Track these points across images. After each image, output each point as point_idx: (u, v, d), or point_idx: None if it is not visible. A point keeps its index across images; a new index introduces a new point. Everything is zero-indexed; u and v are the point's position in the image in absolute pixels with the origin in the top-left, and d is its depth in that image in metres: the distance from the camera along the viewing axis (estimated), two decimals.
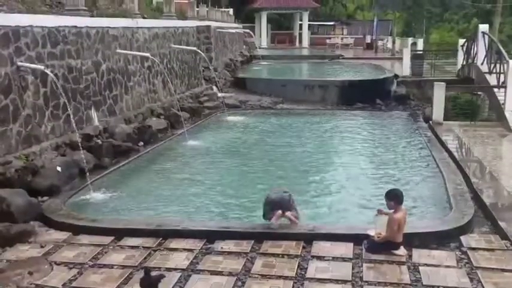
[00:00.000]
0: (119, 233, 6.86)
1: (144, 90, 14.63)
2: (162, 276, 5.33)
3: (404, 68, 22.71)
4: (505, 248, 6.34)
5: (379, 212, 6.41)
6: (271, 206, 6.94)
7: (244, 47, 36.09)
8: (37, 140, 9.47)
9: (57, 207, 7.77)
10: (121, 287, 5.47)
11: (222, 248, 6.38)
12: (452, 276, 5.63)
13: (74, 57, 10.93)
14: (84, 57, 11.35)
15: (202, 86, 20.29)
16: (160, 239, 6.69)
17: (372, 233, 6.28)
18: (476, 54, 18.83)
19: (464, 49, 20.81)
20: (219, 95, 19.49)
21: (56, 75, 10.03)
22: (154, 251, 6.37)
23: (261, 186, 9.42)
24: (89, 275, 5.74)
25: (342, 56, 34.52)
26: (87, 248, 6.46)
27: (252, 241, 6.51)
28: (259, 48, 38.17)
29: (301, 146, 12.85)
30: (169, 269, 5.84)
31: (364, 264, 5.93)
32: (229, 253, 6.25)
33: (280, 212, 6.85)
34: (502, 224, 6.86)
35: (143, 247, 6.46)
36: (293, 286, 5.45)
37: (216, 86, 20.61)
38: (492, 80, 15.96)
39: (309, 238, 6.54)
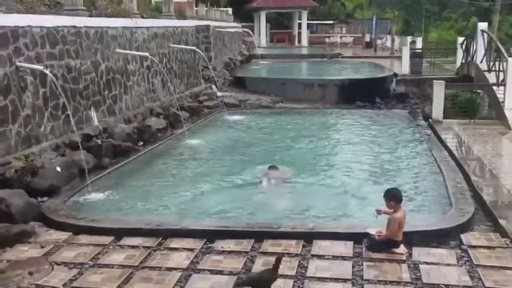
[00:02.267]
0: (118, 233, 6.85)
1: (144, 90, 14.62)
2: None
3: (404, 67, 22.70)
4: (505, 245, 6.34)
5: (378, 212, 6.40)
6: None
7: (244, 46, 36.05)
8: (36, 140, 9.46)
9: (57, 208, 7.76)
10: (121, 287, 5.47)
11: (222, 247, 6.37)
12: (453, 274, 5.63)
13: (73, 57, 10.92)
14: (83, 57, 11.34)
15: (202, 86, 20.28)
16: (161, 238, 6.68)
17: (372, 231, 6.28)
18: (475, 52, 18.83)
19: (464, 47, 20.80)
20: (219, 94, 19.49)
21: (55, 75, 10.02)
22: (155, 250, 6.36)
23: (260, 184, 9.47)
24: (89, 275, 5.73)
25: (341, 54, 34.51)
26: (87, 248, 6.46)
27: (252, 240, 6.50)
28: (259, 47, 38.11)
29: (301, 145, 12.85)
30: (169, 269, 5.84)
31: (365, 263, 5.93)
32: (230, 252, 6.25)
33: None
34: (502, 221, 6.86)
35: (143, 247, 6.46)
36: (293, 285, 5.44)
37: (216, 85, 20.60)
38: (491, 78, 15.96)
39: (309, 237, 6.54)
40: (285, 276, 5.59)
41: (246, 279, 5.32)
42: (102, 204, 8.40)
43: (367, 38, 44.90)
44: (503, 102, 14.03)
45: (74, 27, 11.00)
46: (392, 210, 6.22)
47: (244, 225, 7.00)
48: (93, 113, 11.57)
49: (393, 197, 6.26)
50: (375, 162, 10.96)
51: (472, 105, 15.74)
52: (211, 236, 6.65)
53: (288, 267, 5.81)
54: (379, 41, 41.01)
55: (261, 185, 9.37)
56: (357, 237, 6.41)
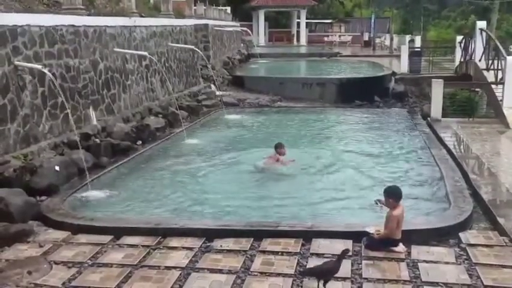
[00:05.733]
0: (117, 232, 6.84)
1: (142, 89, 14.62)
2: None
3: (402, 65, 22.74)
4: (504, 244, 6.34)
5: (378, 202, 6.38)
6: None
7: (242, 45, 36.09)
8: (35, 139, 9.45)
9: (55, 207, 7.76)
10: (120, 286, 5.46)
11: (221, 246, 6.37)
12: (452, 273, 5.64)
13: (72, 56, 10.91)
14: (82, 56, 11.34)
15: (201, 85, 20.28)
16: (160, 237, 6.68)
17: (371, 230, 6.28)
18: (474, 51, 18.86)
19: (462, 46, 20.83)
20: (217, 93, 19.50)
21: (53, 74, 10.01)
22: (154, 249, 6.36)
23: (259, 183, 9.46)
24: (88, 274, 5.73)
25: (340, 53, 34.54)
26: (86, 247, 6.45)
27: (251, 239, 6.51)
28: (257, 46, 38.17)
29: (300, 144, 12.84)
30: (168, 268, 5.84)
31: (363, 261, 5.94)
32: (229, 251, 6.25)
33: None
34: (500, 220, 6.87)
35: (142, 246, 6.45)
36: (292, 283, 5.44)
37: (214, 85, 20.60)
38: (490, 76, 15.99)
39: (308, 235, 6.55)
40: (284, 275, 5.60)
41: (309, 269, 5.47)
42: (101, 203, 8.39)
43: (366, 37, 45.00)
44: (501, 100, 14.04)
45: (73, 26, 10.99)
46: (392, 206, 6.22)
47: (243, 224, 7.00)
48: (91, 112, 11.57)
49: (392, 194, 6.23)
50: (373, 161, 10.95)
51: (470, 103, 15.76)
52: (210, 234, 6.66)
53: (287, 265, 5.82)
54: (377, 40, 41.09)
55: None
56: (355, 236, 6.42)
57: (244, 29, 36.70)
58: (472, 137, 12.20)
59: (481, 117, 15.08)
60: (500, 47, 15.74)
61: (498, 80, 14.99)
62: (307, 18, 46.73)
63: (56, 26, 10.40)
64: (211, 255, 6.14)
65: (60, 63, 10.46)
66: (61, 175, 8.82)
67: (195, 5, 25.11)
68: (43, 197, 8.16)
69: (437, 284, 5.40)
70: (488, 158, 10.16)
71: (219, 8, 34.98)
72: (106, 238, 6.70)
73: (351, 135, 13.85)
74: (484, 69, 16.81)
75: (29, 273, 5.71)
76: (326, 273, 5.34)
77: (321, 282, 5.29)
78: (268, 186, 9.40)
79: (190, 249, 6.32)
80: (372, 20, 42.12)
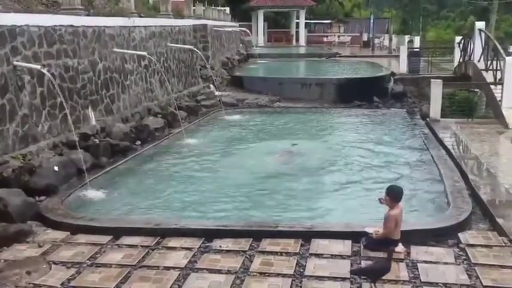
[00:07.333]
0: (116, 232, 6.84)
1: (141, 89, 14.60)
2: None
3: (401, 66, 22.74)
4: (503, 244, 6.35)
5: (381, 200, 6.38)
6: None
7: (241, 45, 36.08)
8: (34, 139, 9.45)
9: (54, 207, 7.75)
10: (119, 286, 5.46)
11: (220, 246, 6.37)
12: (451, 273, 5.64)
13: (71, 56, 10.90)
14: (81, 56, 11.32)
15: (200, 85, 20.27)
16: (159, 237, 6.68)
17: (370, 230, 6.28)
18: (472, 51, 18.87)
19: (461, 46, 20.85)
20: (216, 93, 19.48)
21: (52, 74, 10.01)
22: (153, 249, 6.36)
23: (258, 183, 9.46)
24: (87, 274, 5.73)
25: (339, 54, 34.54)
26: (85, 247, 6.45)
27: (251, 239, 6.51)
28: (256, 46, 38.18)
29: (299, 143, 12.83)
30: (167, 268, 5.84)
31: (363, 262, 5.93)
32: (228, 251, 6.25)
33: None
34: (499, 220, 6.87)
35: (141, 246, 6.45)
36: (292, 284, 5.44)
37: (213, 85, 20.59)
38: (489, 77, 15.99)
39: (307, 236, 6.54)
40: (284, 275, 5.60)
41: (359, 269, 5.52)
42: (100, 203, 8.39)
43: (365, 37, 45.02)
44: (500, 101, 14.05)
45: (72, 26, 10.98)
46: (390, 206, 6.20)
47: (242, 224, 7.01)
48: (90, 112, 11.56)
49: (392, 193, 6.17)
50: (372, 161, 10.96)
51: (469, 104, 15.78)
52: (209, 235, 6.65)
53: (286, 266, 5.82)
54: (376, 40, 41.11)
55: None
56: (355, 236, 6.41)
57: (243, 29, 36.70)
58: (471, 137, 12.20)
59: (480, 117, 15.09)
60: (499, 48, 15.76)
61: (497, 80, 15.00)
62: (306, 19, 46.68)
63: (55, 26, 10.39)
64: (210, 256, 6.14)
65: (59, 63, 10.45)
66: (60, 175, 8.81)
67: (194, 5, 25.09)
68: (42, 197, 8.15)
69: (436, 285, 5.41)
70: (487, 159, 10.17)
71: (218, 8, 34.94)
72: (105, 238, 6.70)
73: (350, 136, 13.84)
74: (483, 70, 16.81)
75: (28, 273, 5.70)
76: (376, 272, 5.37)
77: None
78: (268, 186, 9.39)
79: (190, 249, 6.32)
80: (371, 21, 42.11)
